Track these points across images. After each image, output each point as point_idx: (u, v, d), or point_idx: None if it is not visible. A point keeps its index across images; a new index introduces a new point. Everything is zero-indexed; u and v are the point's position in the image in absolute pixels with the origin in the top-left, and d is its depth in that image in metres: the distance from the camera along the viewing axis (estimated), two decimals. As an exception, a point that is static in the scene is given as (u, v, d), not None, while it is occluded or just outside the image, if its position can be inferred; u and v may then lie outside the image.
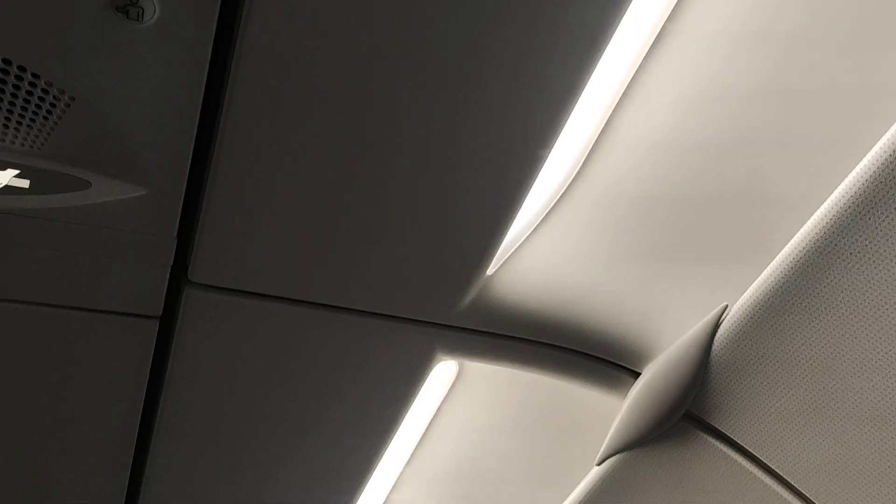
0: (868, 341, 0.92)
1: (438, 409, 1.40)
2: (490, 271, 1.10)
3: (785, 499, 1.05)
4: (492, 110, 0.88)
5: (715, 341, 1.04)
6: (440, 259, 1.05)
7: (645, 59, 0.90)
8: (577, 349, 1.23)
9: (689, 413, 1.10)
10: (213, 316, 1.11)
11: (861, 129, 0.88)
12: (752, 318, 0.99)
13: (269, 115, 0.87)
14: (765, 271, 0.97)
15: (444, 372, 1.32)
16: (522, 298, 1.16)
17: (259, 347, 1.16)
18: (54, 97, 0.81)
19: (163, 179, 0.92)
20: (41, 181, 0.89)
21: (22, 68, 0.79)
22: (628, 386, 1.22)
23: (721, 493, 1.11)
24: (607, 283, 1.15)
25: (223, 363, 1.18)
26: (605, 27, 0.81)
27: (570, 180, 1.03)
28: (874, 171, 0.84)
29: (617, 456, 1.19)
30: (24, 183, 0.89)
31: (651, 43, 0.89)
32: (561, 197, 1.05)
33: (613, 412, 1.21)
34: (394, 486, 1.56)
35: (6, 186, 0.89)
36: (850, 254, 0.89)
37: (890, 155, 0.83)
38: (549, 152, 0.93)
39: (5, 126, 0.83)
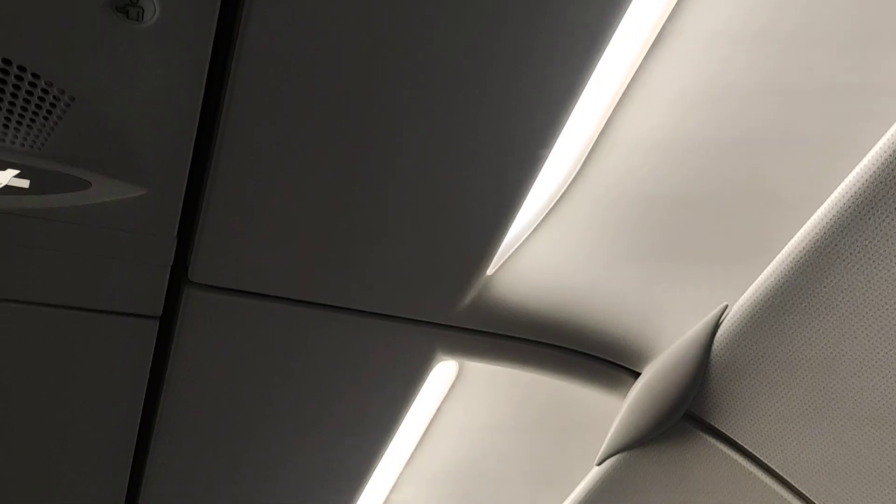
0: (868, 341, 0.92)
1: (438, 409, 1.40)
2: (490, 271, 1.10)
3: (785, 499, 1.05)
4: (492, 110, 0.88)
5: (715, 341, 1.04)
6: (440, 259, 1.05)
7: (645, 59, 0.90)
8: (577, 349, 1.23)
9: (689, 413, 1.09)
10: (213, 316, 1.11)
11: (861, 129, 0.88)
12: (752, 318, 0.99)
13: (269, 115, 0.87)
14: (765, 271, 0.97)
15: (444, 372, 1.32)
16: (522, 298, 1.16)
17: (259, 347, 1.16)
18: (54, 97, 0.81)
19: (163, 179, 0.92)
20: (41, 181, 0.89)
21: (22, 68, 0.79)
22: (628, 386, 1.22)
23: (721, 493, 1.11)
24: (607, 283, 1.15)
25: (223, 363, 1.18)
26: (605, 27, 0.81)
27: (570, 180, 1.03)
28: (874, 171, 0.84)
29: (617, 456, 1.19)
30: (24, 183, 0.89)
31: (651, 43, 0.89)
32: (561, 197, 1.05)
33: (613, 412, 1.21)
34: (394, 486, 1.56)
35: (6, 186, 0.89)
36: (850, 254, 0.89)
37: (890, 155, 0.83)
38: (549, 152, 0.93)
39: (5, 126, 0.83)
